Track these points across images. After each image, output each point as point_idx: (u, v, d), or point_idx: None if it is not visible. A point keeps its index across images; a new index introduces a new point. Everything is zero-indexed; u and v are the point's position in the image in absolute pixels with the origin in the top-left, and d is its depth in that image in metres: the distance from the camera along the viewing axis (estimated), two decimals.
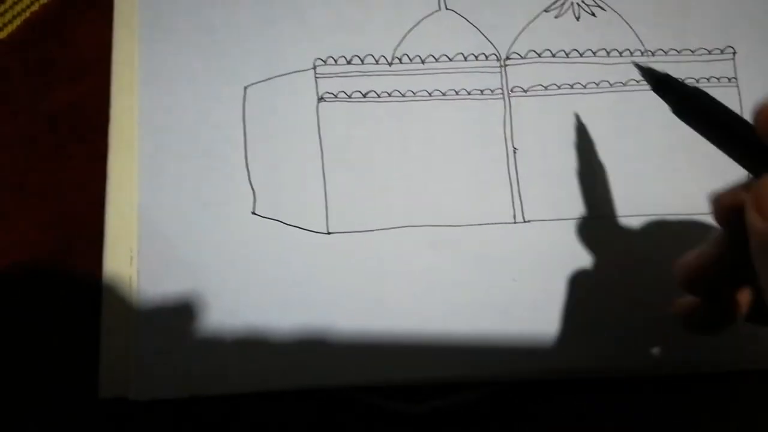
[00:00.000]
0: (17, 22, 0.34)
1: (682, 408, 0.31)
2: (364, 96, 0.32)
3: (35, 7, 0.34)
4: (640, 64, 0.27)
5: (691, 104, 0.24)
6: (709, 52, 0.34)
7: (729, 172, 0.23)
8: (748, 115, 0.22)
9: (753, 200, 0.19)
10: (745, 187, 0.21)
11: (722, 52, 0.34)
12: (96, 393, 0.29)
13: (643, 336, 0.30)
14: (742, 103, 0.33)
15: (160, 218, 0.31)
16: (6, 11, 0.34)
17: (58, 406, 0.30)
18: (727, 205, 0.22)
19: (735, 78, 0.34)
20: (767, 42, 0.34)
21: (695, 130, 0.24)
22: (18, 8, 0.34)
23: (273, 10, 0.33)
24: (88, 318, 0.30)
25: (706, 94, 0.24)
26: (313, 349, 0.29)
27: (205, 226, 0.31)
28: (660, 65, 0.33)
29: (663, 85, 0.25)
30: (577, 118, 0.33)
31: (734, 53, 0.34)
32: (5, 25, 0.34)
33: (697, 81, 0.34)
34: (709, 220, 0.24)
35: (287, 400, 0.30)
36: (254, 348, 0.29)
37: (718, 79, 0.34)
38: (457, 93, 0.33)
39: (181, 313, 0.30)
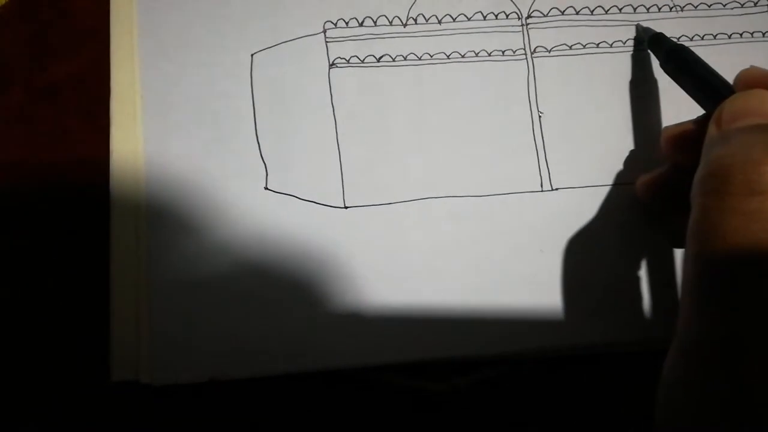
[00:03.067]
0: None
1: None
2: (378, 60, 0.31)
3: None
4: (639, 24, 0.31)
5: (676, 58, 0.28)
6: (742, 5, 0.32)
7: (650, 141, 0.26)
8: None
9: (714, 117, 0.24)
10: (694, 122, 0.26)
11: (755, 4, 0.32)
12: (108, 376, 0.28)
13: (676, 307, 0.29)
14: None
15: (168, 196, 0.29)
16: None
17: (69, 390, 0.29)
18: (670, 134, 0.27)
19: None
20: None
21: (678, 83, 0.28)
22: None
23: None
24: (97, 299, 0.29)
25: (690, 50, 0.28)
26: (333, 329, 0.28)
27: (216, 203, 0.29)
28: (690, 21, 0.32)
29: (655, 40, 0.29)
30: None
31: None
32: None
33: (729, 36, 0.32)
34: None
35: (304, 381, 0.29)
36: (271, 329, 0.28)
37: (751, 33, 0.32)
38: (476, 54, 0.31)
39: (194, 294, 0.28)
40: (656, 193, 0.28)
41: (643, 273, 0.30)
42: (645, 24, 0.31)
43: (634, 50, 0.31)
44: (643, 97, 0.31)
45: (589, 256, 0.29)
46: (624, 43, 0.31)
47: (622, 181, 0.30)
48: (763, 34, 0.32)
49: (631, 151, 0.30)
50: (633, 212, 0.30)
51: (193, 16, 0.31)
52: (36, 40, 0.32)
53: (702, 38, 0.32)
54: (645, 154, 0.30)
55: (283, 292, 0.29)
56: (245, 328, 0.28)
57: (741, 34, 0.32)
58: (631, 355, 0.29)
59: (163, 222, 0.29)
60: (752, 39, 0.32)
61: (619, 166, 0.30)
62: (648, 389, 0.29)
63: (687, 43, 0.32)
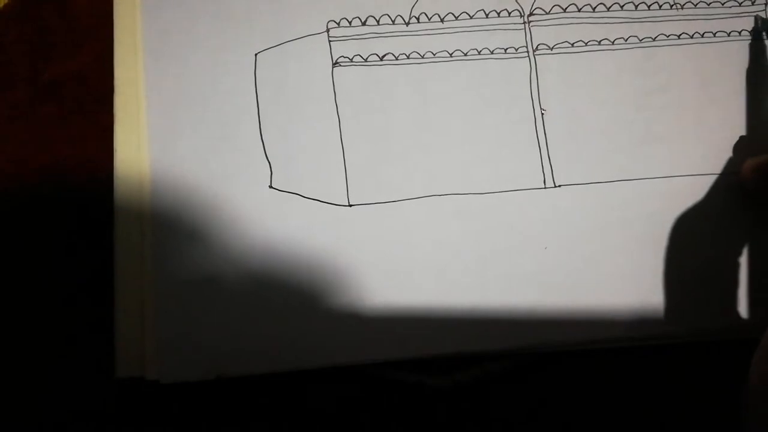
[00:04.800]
0: None
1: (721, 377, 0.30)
2: (381, 59, 0.31)
3: None
4: (758, 15, 0.31)
5: None
6: (740, 4, 0.32)
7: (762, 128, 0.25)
8: None
9: None
10: None
11: (753, 3, 0.32)
12: (113, 372, 0.28)
13: (682, 303, 0.29)
14: None
15: (172, 194, 0.29)
16: None
17: (74, 385, 0.29)
18: None
19: None
20: None
21: None
22: None
23: None
24: (103, 296, 0.29)
25: None
26: (338, 326, 0.29)
27: (220, 201, 0.29)
28: (690, 19, 0.32)
29: None
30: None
31: (767, 4, 0.32)
32: None
33: (728, 34, 0.32)
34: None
35: (309, 377, 0.29)
36: (276, 326, 0.29)
37: (749, 31, 0.32)
38: (479, 52, 0.31)
39: (199, 292, 0.29)
40: (764, 177, 0.28)
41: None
42: (644, 21, 0.32)
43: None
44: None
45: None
46: (626, 40, 0.31)
47: (626, 177, 0.30)
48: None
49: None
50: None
51: (196, 15, 0.31)
52: (38, 38, 0.32)
53: (702, 36, 0.32)
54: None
55: (288, 289, 0.29)
56: (250, 326, 0.28)
57: (740, 32, 0.32)
58: (641, 353, 0.30)
59: (167, 220, 0.29)
60: (750, 37, 0.32)
61: (622, 162, 0.30)
62: (643, 385, 0.30)
63: (687, 41, 0.32)
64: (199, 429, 0.29)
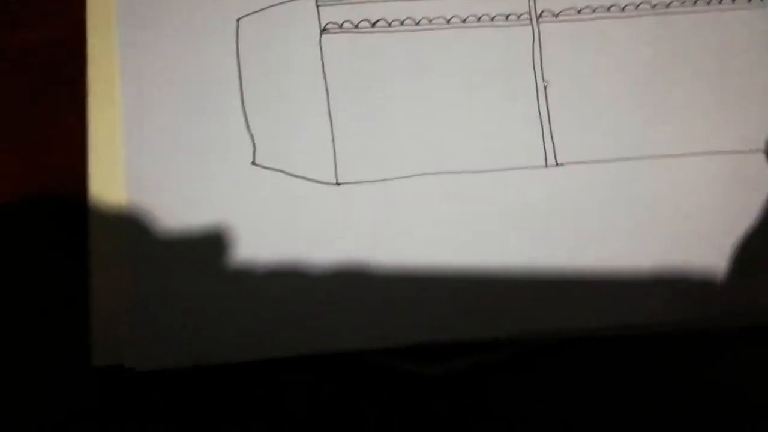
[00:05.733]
0: None
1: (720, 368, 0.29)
2: (373, 25, 0.30)
3: None
4: None
5: None
6: None
7: None
8: None
9: None
10: None
11: None
12: (89, 360, 0.28)
13: (686, 290, 0.29)
14: None
15: (149, 171, 0.28)
16: None
17: (49, 374, 0.29)
18: None
19: None
20: None
21: None
22: None
23: None
24: (76, 280, 0.28)
25: None
26: (326, 312, 0.28)
27: (200, 179, 0.29)
28: None
29: None
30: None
31: None
32: None
33: (733, 1, 0.30)
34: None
35: (297, 364, 0.28)
36: (259, 312, 0.28)
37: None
38: (478, 19, 0.30)
39: (178, 276, 0.28)
40: None
41: (660, 253, 0.29)
42: None
43: None
44: None
45: (601, 235, 0.29)
46: (636, 6, 0.30)
47: (634, 156, 0.29)
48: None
49: None
50: (645, 186, 0.29)
51: None
52: (6, 5, 0.31)
53: (720, 2, 0.30)
54: None
55: (271, 273, 0.28)
56: (232, 311, 0.28)
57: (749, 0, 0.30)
58: (639, 342, 0.29)
59: (144, 199, 0.28)
60: (762, 5, 0.30)
61: (631, 139, 0.29)
62: (649, 374, 0.29)
63: (703, 8, 0.30)
64: (199, 424, 0.29)
